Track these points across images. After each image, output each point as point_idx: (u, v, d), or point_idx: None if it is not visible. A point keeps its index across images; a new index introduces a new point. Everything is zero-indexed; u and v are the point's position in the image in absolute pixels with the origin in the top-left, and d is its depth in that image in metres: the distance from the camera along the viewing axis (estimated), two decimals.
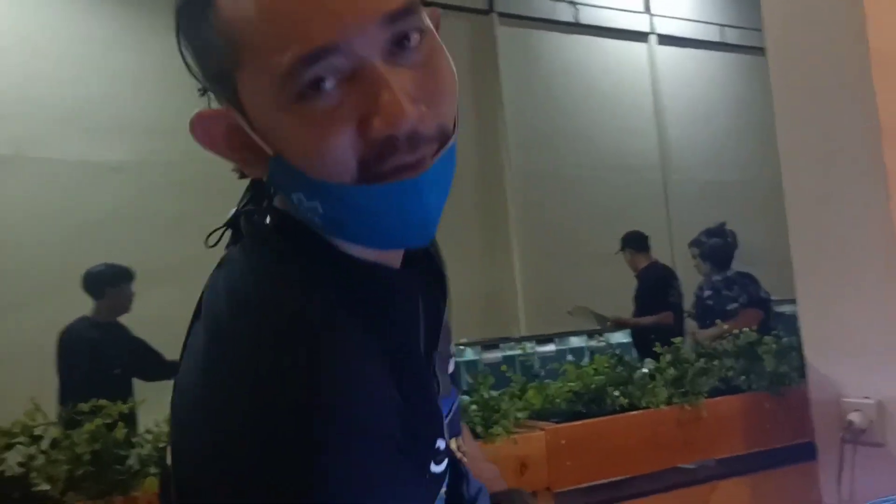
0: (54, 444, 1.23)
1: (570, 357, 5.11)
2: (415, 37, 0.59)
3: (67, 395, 3.77)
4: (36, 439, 1.22)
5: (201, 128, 0.63)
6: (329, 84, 0.57)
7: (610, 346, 5.09)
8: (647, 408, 1.64)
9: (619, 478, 1.59)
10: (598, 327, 5.11)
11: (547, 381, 1.69)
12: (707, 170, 6.63)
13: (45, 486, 1.17)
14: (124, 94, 4.69)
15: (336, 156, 0.58)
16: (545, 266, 5.73)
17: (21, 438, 1.22)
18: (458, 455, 0.75)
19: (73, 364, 3.79)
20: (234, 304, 0.60)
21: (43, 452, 1.21)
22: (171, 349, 3.84)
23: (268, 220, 0.66)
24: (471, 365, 4.80)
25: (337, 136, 0.57)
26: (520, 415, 1.52)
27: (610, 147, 6.33)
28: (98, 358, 3.76)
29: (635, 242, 4.92)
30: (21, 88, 4.52)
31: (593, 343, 5.10)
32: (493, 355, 4.88)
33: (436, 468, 0.63)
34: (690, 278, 4.75)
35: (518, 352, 4.90)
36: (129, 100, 4.69)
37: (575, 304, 5.11)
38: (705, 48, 7.00)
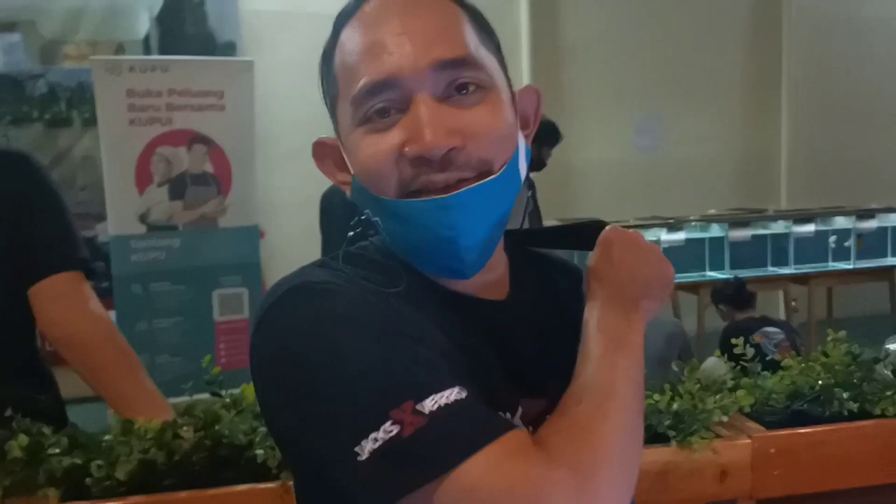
0: None
1: (832, 239, 4.61)
2: (471, 88, 0.73)
3: (329, 251, 4.17)
4: (258, 416, 1.37)
5: (317, 151, 0.82)
6: (391, 114, 0.72)
7: (883, 230, 4.51)
8: (883, 416, 1.46)
9: (836, 489, 1.46)
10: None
11: (765, 371, 1.54)
12: None
13: (265, 456, 1.32)
14: None
15: (381, 169, 0.72)
16: (819, 128, 5.08)
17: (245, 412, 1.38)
18: None
19: (331, 224, 4.15)
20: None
21: (262, 427, 1.36)
22: None
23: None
24: (716, 242, 4.53)
25: (383, 152, 0.72)
26: (724, 418, 1.42)
27: None
28: (353, 218, 4.07)
29: None
30: None
31: (863, 225, 4.54)
32: (742, 233, 4.55)
33: None
34: None
35: (770, 231, 4.52)
36: None
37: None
38: None
